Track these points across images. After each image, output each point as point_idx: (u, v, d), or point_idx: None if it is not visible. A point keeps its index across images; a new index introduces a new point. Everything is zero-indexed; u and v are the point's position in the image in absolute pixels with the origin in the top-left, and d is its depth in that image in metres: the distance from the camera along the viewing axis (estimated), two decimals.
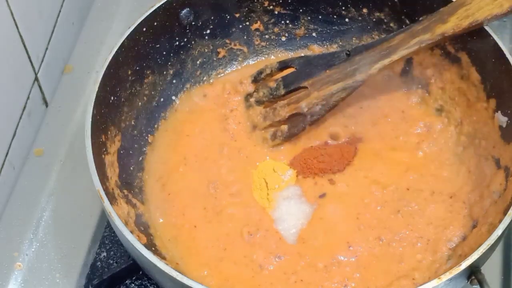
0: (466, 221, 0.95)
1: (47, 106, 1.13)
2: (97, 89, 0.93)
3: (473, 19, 0.94)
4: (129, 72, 1.00)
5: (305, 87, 1.03)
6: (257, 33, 1.11)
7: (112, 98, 0.97)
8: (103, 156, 0.93)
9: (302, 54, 1.12)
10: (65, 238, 1.01)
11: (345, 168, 1.01)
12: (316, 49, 1.12)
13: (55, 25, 1.14)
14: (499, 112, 0.96)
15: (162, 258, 0.90)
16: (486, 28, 0.95)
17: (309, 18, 1.11)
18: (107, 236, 1.01)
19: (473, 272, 0.83)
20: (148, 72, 1.04)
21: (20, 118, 1.06)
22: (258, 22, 1.10)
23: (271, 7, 1.10)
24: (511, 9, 0.92)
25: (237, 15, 1.09)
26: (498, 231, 0.83)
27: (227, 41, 1.10)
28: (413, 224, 0.96)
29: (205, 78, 1.10)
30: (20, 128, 1.06)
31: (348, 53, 1.01)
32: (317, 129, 1.04)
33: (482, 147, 0.99)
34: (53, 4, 1.14)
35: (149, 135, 1.04)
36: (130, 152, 1.00)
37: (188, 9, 1.05)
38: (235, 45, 1.11)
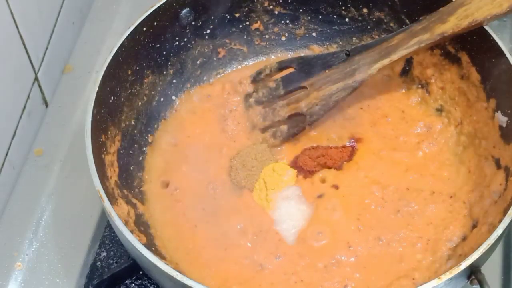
0: (466, 221, 0.95)
1: (47, 106, 1.13)
2: (97, 89, 0.93)
3: (472, 19, 0.94)
4: (129, 72, 1.00)
5: (305, 87, 1.03)
6: (257, 33, 1.11)
7: (112, 98, 0.97)
8: (103, 156, 0.93)
9: (302, 54, 1.12)
10: (65, 238, 1.01)
11: (345, 168, 1.01)
12: (316, 49, 1.12)
13: (55, 25, 1.14)
14: (499, 112, 0.96)
15: (162, 258, 0.90)
16: (486, 28, 0.95)
17: (309, 18, 1.11)
18: (107, 236, 1.01)
19: (473, 272, 0.83)
20: (148, 72, 1.04)
21: (20, 118, 1.06)
22: (258, 22, 1.10)
23: (271, 7, 1.10)
24: (511, 9, 0.92)
25: (237, 15, 1.09)
26: (498, 231, 0.83)
27: (227, 41, 1.10)
28: (413, 224, 0.96)
29: (205, 78, 1.10)
30: (20, 128, 1.06)
31: (348, 53, 1.01)
32: (316, 129, 1.04)
33: (482, 147, 0.99)
34: (53, 4, 1.14)
35: (149, 135, 1.04)
36: (130, 152, 1.00)
37: (188, 9, 1.05)
38: (235, 45, 1.11)
